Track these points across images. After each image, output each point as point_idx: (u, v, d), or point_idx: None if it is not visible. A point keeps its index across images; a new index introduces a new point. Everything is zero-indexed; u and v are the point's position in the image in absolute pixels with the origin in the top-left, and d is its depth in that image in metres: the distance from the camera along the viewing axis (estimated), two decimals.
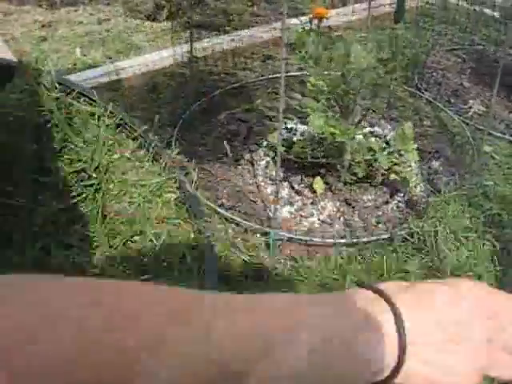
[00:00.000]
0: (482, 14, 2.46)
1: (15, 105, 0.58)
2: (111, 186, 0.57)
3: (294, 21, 2.20)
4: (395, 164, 1.35)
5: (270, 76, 1.76)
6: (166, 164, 0.65)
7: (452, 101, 1.75)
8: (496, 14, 2.46)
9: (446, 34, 2.35)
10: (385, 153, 1.36)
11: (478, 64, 2.11)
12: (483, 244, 1.06)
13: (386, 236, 1.08)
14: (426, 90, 1.80)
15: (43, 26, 2.32)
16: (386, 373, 0.30)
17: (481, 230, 1.09)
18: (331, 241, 1.08)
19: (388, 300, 0.31)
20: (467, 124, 1.63)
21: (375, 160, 1.32)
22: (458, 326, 0.32)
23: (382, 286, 0.32)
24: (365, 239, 1.07)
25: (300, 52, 1.43)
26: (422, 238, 1.04)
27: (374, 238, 1.08)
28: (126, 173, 0.60)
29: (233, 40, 1.92)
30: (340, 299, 0.32)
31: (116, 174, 0.59)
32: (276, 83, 1.75)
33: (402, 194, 1.35)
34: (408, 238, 1.05)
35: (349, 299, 0.32)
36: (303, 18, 2.21)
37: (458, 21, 2.43)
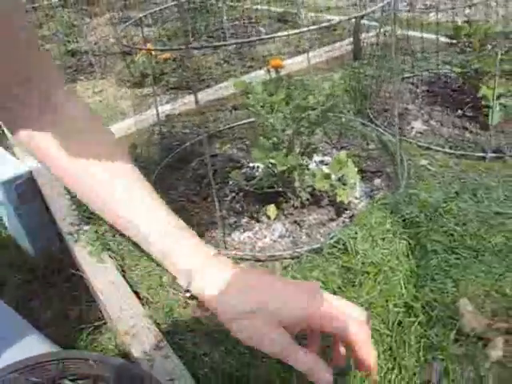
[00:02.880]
0: (437, 41, 2.70)
1: None
2: None
3: (258, 72, 2.50)
4: (336, 187, 1.56)
5: (235, 124, 2.03)
6: None
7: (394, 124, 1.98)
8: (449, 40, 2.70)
9: (404, 64, 2.59)
10: (333, 177, 1.59)
11: (431, 88, 2.35)
12: (399, 243, 1.27)
13: (318, 245, 1.30)
14: (374, 118, 2.04)
15: None
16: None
17: (399, 232, 1.31)
18: (272, 254, 1.31)
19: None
20: (410, 143, 1.86)
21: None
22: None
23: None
24: (300, 250, 1.30)
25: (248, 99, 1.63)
26: (344, 244, 1.25)
27: (309, 247, 1.31)
28: None
29: (203, 96, 2.22)
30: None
31: None
32: (241, 130, 2.03)
33: (348, 212, 1.57)
34: (335, 245, 1.27)
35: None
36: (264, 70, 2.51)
37: (414, 50, 2.68)
